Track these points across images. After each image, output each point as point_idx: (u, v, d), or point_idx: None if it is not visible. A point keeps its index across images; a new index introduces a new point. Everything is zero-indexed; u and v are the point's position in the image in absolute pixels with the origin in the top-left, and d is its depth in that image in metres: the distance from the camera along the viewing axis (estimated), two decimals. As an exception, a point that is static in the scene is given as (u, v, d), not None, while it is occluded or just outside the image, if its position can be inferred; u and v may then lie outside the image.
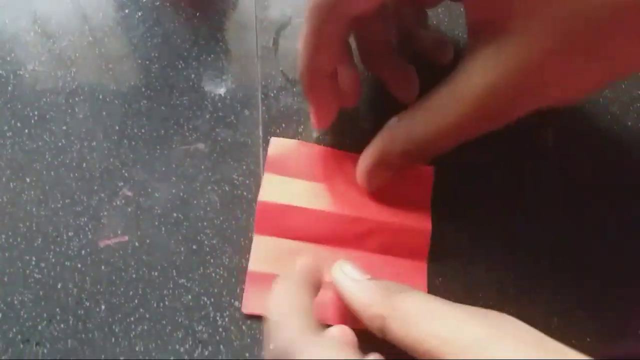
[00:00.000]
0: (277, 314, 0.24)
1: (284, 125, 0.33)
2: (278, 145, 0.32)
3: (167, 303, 0.29)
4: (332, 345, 0.22)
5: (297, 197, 0.31)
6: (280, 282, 0.26)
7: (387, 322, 0.24)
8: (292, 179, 0.32)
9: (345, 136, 0.33)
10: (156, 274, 0.30)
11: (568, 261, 0.31)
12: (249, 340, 0.29)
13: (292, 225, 0.31)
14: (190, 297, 0.30)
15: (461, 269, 0.31)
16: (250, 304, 0.29)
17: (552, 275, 0.31)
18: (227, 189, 0.32)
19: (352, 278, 0.27)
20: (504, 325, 0.22)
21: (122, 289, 0.30)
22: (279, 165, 0.32)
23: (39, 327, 0.29)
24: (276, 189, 0.31)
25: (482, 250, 0.32)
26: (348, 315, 0.28)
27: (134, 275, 0.30)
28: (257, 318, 0.29)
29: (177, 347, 0.29)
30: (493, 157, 0.33)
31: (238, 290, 0.30)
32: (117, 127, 0.33)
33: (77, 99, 0.33)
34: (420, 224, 0.31)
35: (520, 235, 0.32)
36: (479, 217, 0.32)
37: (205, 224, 0.31)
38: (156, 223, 0.31)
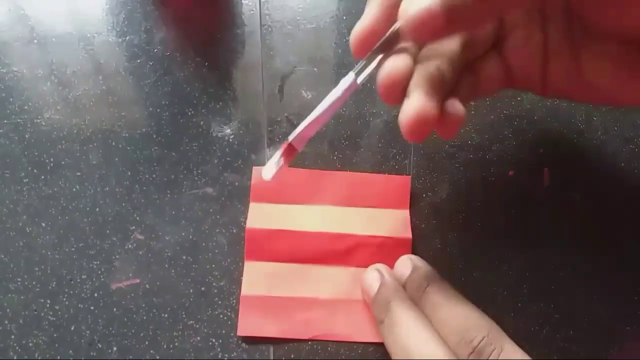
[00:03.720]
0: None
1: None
2: (260, 174, 0.34)
3: (176, 344, 0.30)
4: None
5: (283, 221, 0.33)
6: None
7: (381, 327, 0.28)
8: (276, 204, 0.33)
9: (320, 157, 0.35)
10: (166, 315, 0.31)
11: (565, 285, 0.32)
12: (256, 380, 0.30)
13: (280, 248, 0.32)
14: (199, 338, 0.30)
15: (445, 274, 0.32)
16: (245, 327, 0.31)
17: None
18: (234, 231, 0.33)
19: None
20: None
21: (133, 331, 0.30)
22: (262, 193, 0.34)
23: (53, 369, 0.30)
24: (262, 216, 0.33)
25: (466, 255, 0.33)
26: (341, 330, 0.31)
27: (144, 317, 0.31)
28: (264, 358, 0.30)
29: (187, 388, 0.29)
30: (488, 199, 0.34)
31: (245, 332, 0.31)
32: (129, 173, 0.34)
33: (90, 145, 0.35)
34: (401, 234, 0.32)
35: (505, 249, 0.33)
36: (462, 226, 0.34)
37: (213, 266, 0.32)
38: (166, 266, 0.32)
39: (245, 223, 0.33)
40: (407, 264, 0.30)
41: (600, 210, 0.34)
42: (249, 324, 0.30)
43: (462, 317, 0.26)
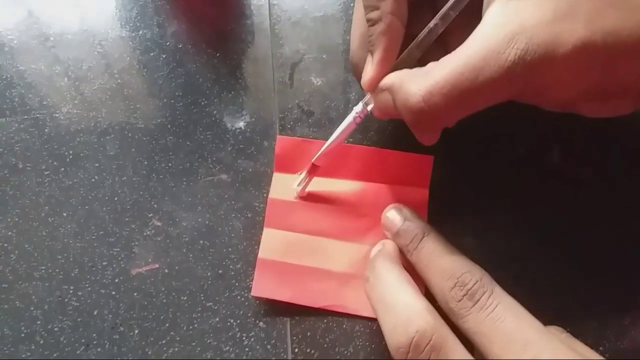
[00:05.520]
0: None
1: (301, 154, 0.35)
2: (284, 144, 0.35)
3: (196, 325, 0.31)
4: None
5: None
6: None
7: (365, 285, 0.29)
8: (298, 176, 0.34)
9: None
10: (185, 298, 0.32)
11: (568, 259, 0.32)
12: (274, 359, 0.30)
13: (298, 220, 0.33)
14: (217, 319, 0.31)
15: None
16: (259, 288, 0.31)
17: (548, 273, 0.32)
18: (249, 215, 0.34)
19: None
20: None
21: (153, 314, 0.31)
22: (286, 163, 0.35)
23: (78, 352, 0.31)
24: (284, 186, 0.34)
25: (478, 241, 0.33)
26: (351, 303, 0.31)
27: (164, 300, 0.32)
28: (282, 340, 0.31)
29: (207, 367, 0.30)
30: (499, 177, 0.34)
31: (262, 312, 0.31)
32: (145, 162, 0.35)
33: (108, 137, 0.36)
34: (417, 213, 0.32)
35: (519, 234, 0.33)
36: (477, 210, 0.34)
37: (230, 249, 0.33)
38: (184, 250, 0.33)
39: (259, 207, 0.34)
40: (396, 215, 0.31)
41: (611, 187, 0.34)
42: (263, 286, 0.31)
43: (458, 264, 0.28)
